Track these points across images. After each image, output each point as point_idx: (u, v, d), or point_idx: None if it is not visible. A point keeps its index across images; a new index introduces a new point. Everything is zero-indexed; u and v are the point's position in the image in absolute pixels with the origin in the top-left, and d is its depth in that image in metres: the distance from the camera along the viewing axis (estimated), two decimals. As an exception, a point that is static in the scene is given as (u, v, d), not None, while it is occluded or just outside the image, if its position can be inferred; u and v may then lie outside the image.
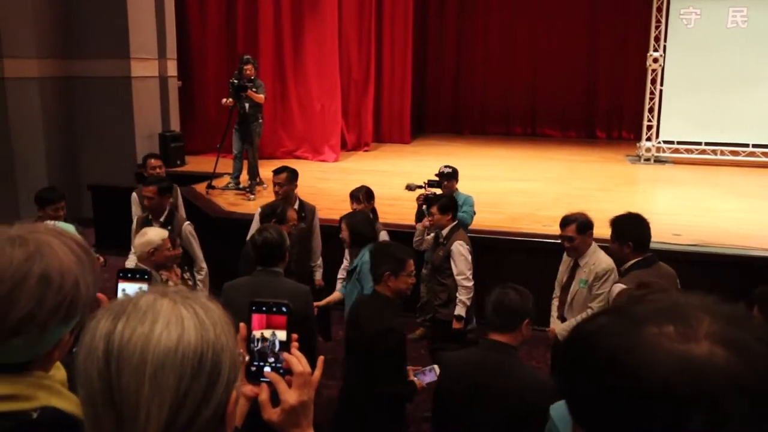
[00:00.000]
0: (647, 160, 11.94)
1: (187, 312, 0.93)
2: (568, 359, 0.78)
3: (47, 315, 1.14)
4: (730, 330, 0.71)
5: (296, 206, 5.54)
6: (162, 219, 5.35)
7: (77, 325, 1.21)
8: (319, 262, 5.67)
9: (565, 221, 4.31)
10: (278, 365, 1.26)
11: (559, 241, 4.36)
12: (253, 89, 8.64)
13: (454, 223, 5.13)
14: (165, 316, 0.92)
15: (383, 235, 5.25)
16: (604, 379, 0.72)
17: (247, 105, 8.64)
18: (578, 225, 4.27)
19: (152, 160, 6.71)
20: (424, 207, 5.72)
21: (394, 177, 9.85)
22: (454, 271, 5.01)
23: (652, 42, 11.86)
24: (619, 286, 3.60)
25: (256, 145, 8.99)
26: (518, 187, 9.31)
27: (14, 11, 8.69)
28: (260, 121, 8.94)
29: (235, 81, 8.61)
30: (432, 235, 5.44)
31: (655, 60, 11.85)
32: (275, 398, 1.23)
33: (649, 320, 0.73)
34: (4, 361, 1.16)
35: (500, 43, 15.76)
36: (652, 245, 6.17)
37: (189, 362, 0.90)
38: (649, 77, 11.97)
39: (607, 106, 15.46)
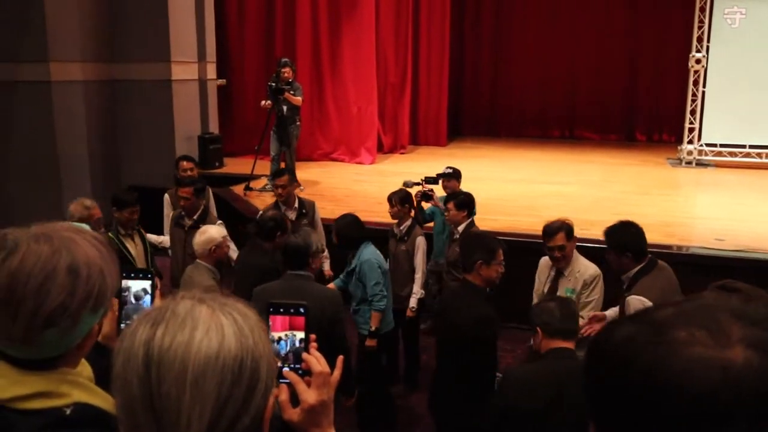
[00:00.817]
0: (689, 163, 11.68)
1: (226, 319, 0.93)
2: (599, 374, 0.76)
3: (79, 305, 1.16)
4: (760, 332, 0.70)
5: (296, 204, 5.90)
6: (195, 217, 5.48)
7: (103, 316, 1.25)
8: (326, 253, 5.71)
9: (552, 230, 4.08)
10: (297, 366, 1.27)
11: (551, 251, 4.11)
12: (291, 92, 8.72)
13: (470, 219, 5.23)
14: (204, 323, 0.92)
15: (420, 241, 5.32)
16: (642, 393, 0.70)
17: (284, 107, 8.72)
18: (567, 232, 4.07)
19: (184, 163, 6.85)
20: (423, 203, 5.89)
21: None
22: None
23: (695, 42, 11.61)
24: (637, 299, 3.49)
25: (294, 147, 9.05)
26: (555, 190, 9.16)
27: (60, 17, 8.90)
28: (298, 123, 9.01)
29: (273, 84, 8.70)
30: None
31: (698, 61, 11.60)
32: (294, 399, 1.24)
33: (676, 325, 0.72)
34: (36, 356, 1.17)
35: (538, 45, 15.60)
36: (696, 251, 6.08)
37: (229, 369, 0.90)
38: (692, 78, 11.72)
39: (648, 108, 15.18)
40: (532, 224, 7.12)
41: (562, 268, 4.11)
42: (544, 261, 4.29)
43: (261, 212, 5.92)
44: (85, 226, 2.51)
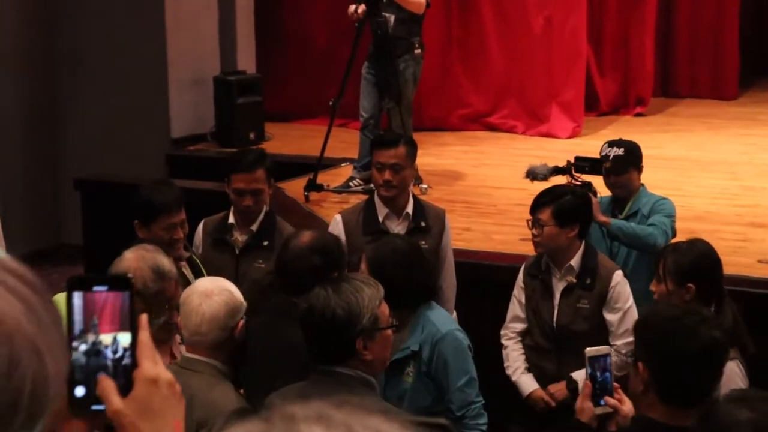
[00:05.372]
0: None
1: None
2: None
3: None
4: None
5: (409, 208, 6.24)
6: (255, 228, 6.10)
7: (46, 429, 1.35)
8: (454, 315, 6.03)
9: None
10: None
11: None
12: (404, -12, 8.83)
13: (583, 244, 5.70)
14: None
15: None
16: None
17: (390, 19, 8.83)
18: None
19: None
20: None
21: (698, 172, 9.82)
22: (614, 329, 5.62)
23: None
24: None
25: (409, 102, 9.13)
26: None
27: None
28: (416, 51, 9.11)
29: (367, -26, 8.82)
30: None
31: None
32: None
33: None
34: None
35: None
36: None
37: None
38: None
39: None
40: None
41: None
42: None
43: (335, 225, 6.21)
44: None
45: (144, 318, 1.74)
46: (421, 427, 1.47)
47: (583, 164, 6.35)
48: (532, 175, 6.64)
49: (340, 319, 3.78)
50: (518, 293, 5.85)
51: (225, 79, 10.52)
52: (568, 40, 11.72)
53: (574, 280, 5.54)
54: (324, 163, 9.23)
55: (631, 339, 5.35)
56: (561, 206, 5.56)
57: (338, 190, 9.08)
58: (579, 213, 5.64)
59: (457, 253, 6.49)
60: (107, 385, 1.65)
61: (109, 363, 1.69)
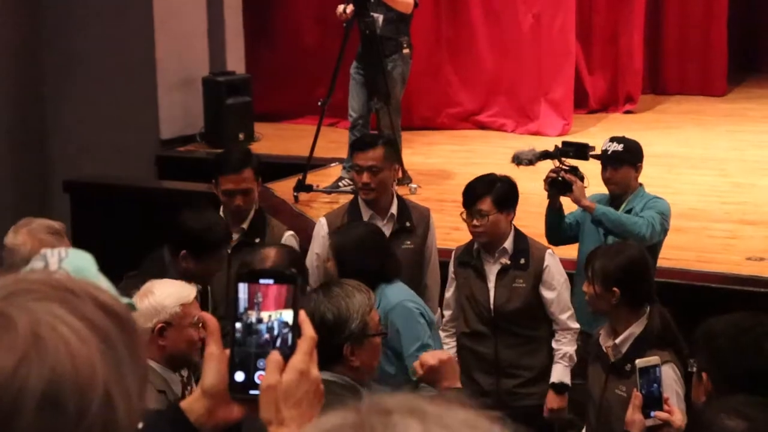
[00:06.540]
0: None
1: None
2: None
3: None
4: None
5: (394, 208, 6.28)
6: (245, 226, 6.12)
7: None
8: (438, 312, 6.11)
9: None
10: None
11: None
12: (392, -12, 8.81)
13: (513, 227, 5.91)
14: None
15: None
16: None
17: (379, 18, 8.82)
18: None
19: None
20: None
21: (687, 169, 9.83)
22: (555, 307, 5.79)
23: None
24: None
25: (398, 102, 9.12)
26: None
27: None
28: (405, 51, 9.09)
29: (355, -26, 8.80)
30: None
31: None
32: None
33: None
34: None
35: None
36: None
37: None
38: None
39: None
40: None
41: None
42: None
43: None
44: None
45: (304, 313, 1.87)
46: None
47: (568, 149, 6.35)
48: (518, 160, 6.58)
49: (329, 323, 3.75)
50: (449, 283, 6.10)
51: (214, 80, 10.51)
52: (557, 38, 11.73)
53: (509, 262, 5.70)
54: (313, 164, 9.24)
55: (570, 312, 5.83)
56: (498, 193, 5.76)
57: (327, 191, 9.07)
58: (513, 197, 5.87)
59: (446, 252, 6.44)
60: (276, 359, 1.77)
61: (264, 342, 1.83)
